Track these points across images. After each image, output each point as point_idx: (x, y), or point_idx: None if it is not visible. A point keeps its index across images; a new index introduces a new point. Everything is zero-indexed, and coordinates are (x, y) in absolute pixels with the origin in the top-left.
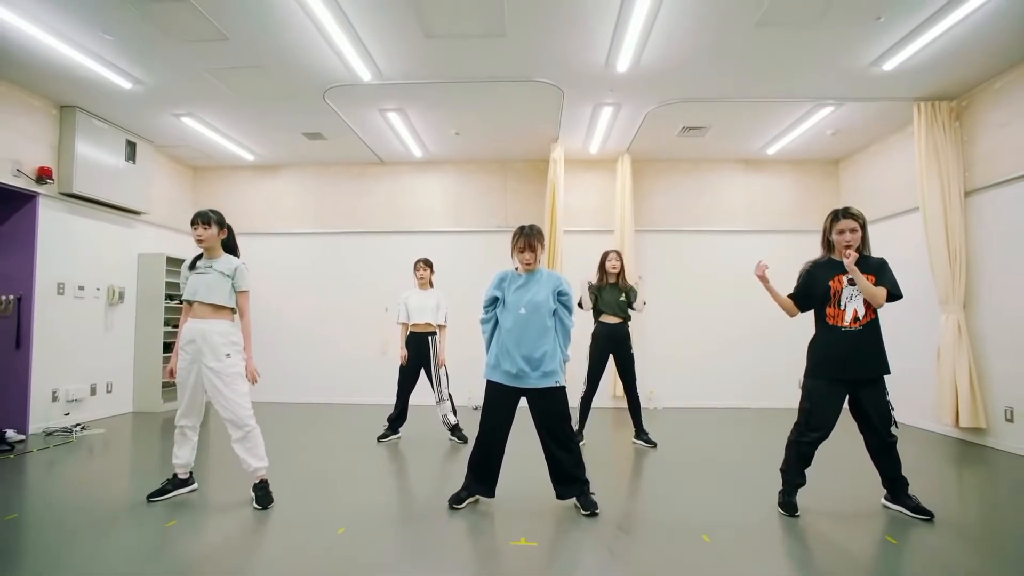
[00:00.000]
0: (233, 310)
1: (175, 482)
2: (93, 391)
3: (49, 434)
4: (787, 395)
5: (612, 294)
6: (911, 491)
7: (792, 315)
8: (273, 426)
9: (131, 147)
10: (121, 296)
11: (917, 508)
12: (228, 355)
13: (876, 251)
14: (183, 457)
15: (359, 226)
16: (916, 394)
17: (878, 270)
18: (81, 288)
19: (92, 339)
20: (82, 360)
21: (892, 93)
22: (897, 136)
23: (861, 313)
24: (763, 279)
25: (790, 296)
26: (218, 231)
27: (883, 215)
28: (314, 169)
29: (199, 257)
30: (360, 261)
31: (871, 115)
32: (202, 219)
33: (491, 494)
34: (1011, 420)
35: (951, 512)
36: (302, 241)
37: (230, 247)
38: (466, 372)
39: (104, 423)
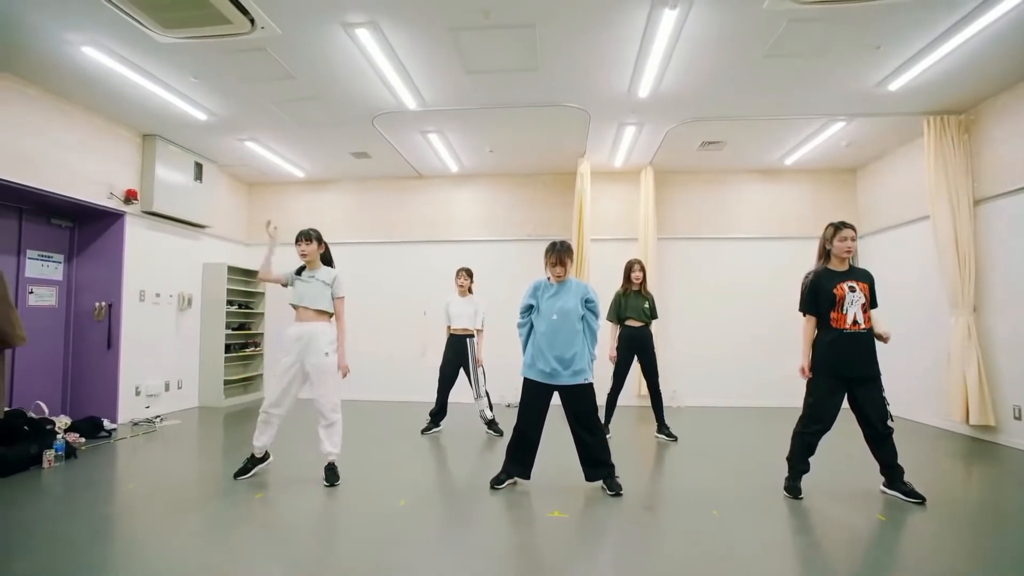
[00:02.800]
0: (331, 314)
1: (254, 460)
2: (167, 387)
3: (136, 424)
4: (800, 394)
5: (637, 301)
6: (907, 479)
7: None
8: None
9: (198, 168)
10: (189, 302)
11: (910, 493)
12: (327, 353)
13: (891, 257)
14: (264, 440)
15: (398, 236)
16: (928, 392)
17: (871, 281)
18: (158, 295)
19: (166, 341)
20: (158, 360)
21: (901, 109)
22: (909, 147)
23: (860, 317)
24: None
25: (805, 314)
26: (318, 246)
27: (898, 222)
28: (357, 183)
29: (303, 268)
30: (399, 269)
31: (883, 128)
32: (305, 237)
33: (527, 476)
34: (1019, 418)
35: (946, 498)
36: (346, 250)
37: (327, 259)
38: (500, 373)
39: (177, 415)
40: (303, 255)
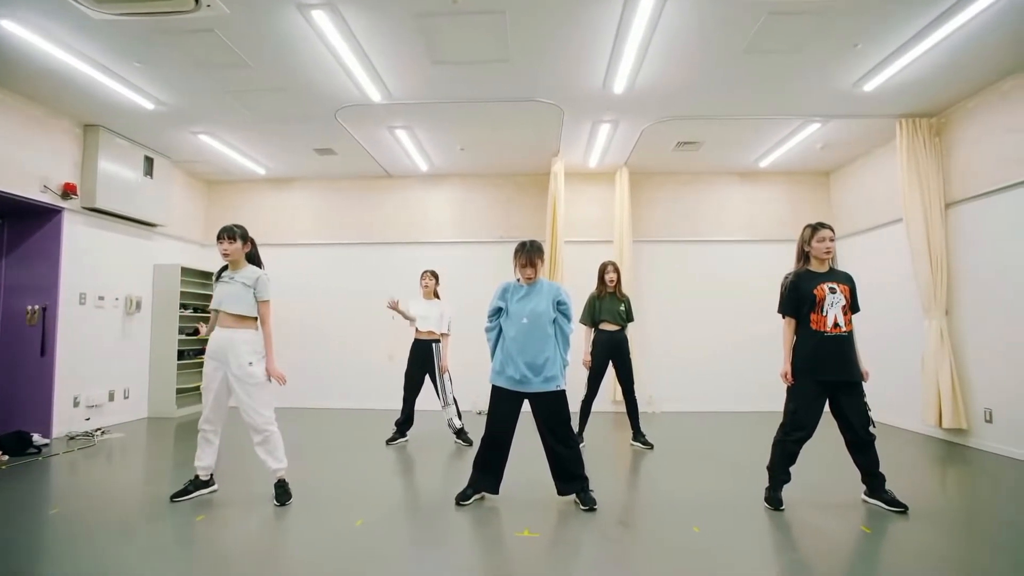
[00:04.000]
0: (256, 319)
1: (197, 483)
2: (111, 397)
3: (72, 438)
4: (780, 399)
5: (612, 303)
6: (888, 487)
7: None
8: (286, 430)
9: (149, 163)
10: (138, 305)
11: (892, 501)
12: (251, 363)
13: (865, 260)
14: (206, 460)
15: (367, 237)
16: (902, 397)
17: (852, 284)
18: (101, 298)
19: (111, 347)
20: (101, 367)
21: (875, 111)
22: (883, 150)
23: (841, 320)
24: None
25: (784, 316)
26: (242, 244)
27: (871, 225)
28: (324, 183)
29: (225, 268)
30: (368, 271)
31: (857, 130)
32: (227, 234)
33: (496, 491)
34: (990, 421)
35: (927, 505)
36: (313, 252)
37: (253, 259)
38: (472, 378)
39: (122, 427)
40: (225, 254)
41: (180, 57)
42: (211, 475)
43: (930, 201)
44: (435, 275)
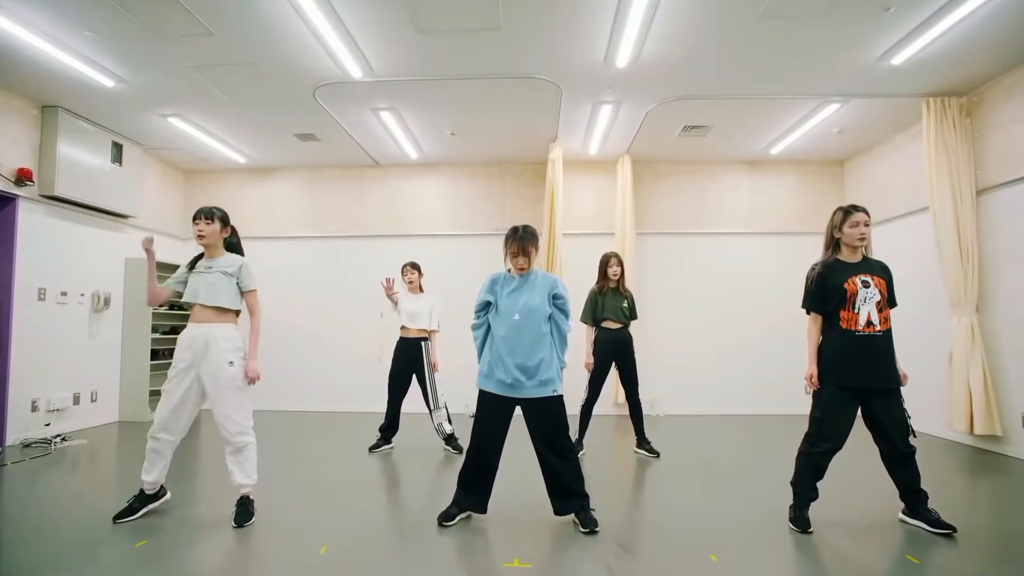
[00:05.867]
0: (238, 312)
1: (143, 498)
2: (76, 400)
3: (27, 446)
4: (791, 401)
5: (614, 300)
6: (930, 504)
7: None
8: (262, 435)
9: (117, 149)
10: (107, 302)
11: (937, 522)
12: (232, 363)
13: (884, 253)
14: (154, 474)
15: (355, 230)
16: (927, 400)
17: (888, 274)
18: (64, 294)
19: (75, 347)
20: (65, 368)
21: (900, 89)
22: (903, 136)
23: (875, 317)
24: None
25: (810, 312)
26: (221, 228)
27: (889, 216)
28: (309, 172)
29: (200, 257)
30: (356, 265)
31: (878, 112)
32: (204, 215)
33: (483, 510)
34: None
35: (972, 527)
36: (297, 245)
37: (234, 247)
38: (464, 379)
39: (88, 433)
40: (200, 237)
41: (134, 25)
42: (160, 486)
43: (960, 188)
44: (417, 267)
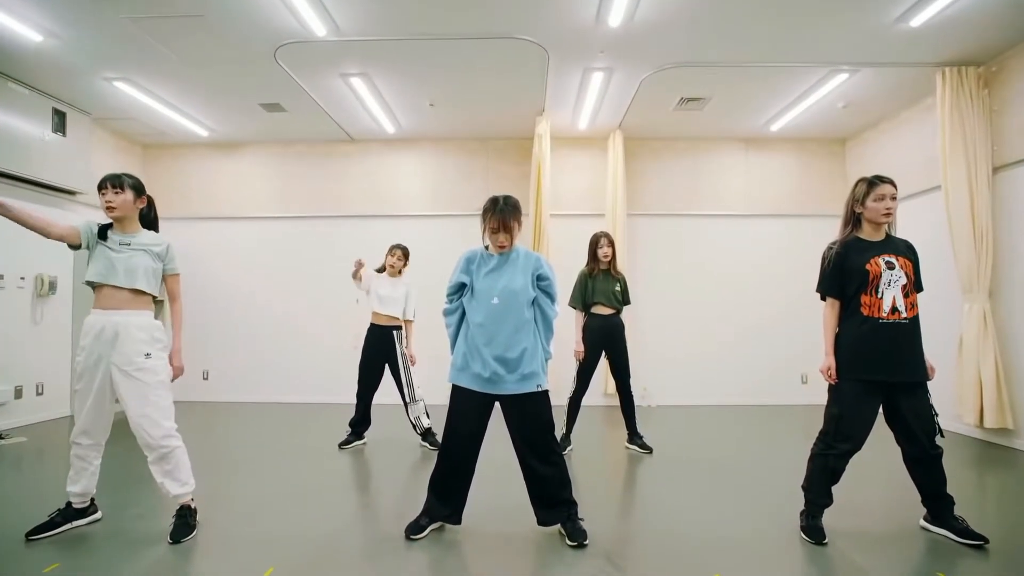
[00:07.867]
0: (155, 298)
1: (68, 513)
2: (19, 394)
3: None
4: (790, 391)
5: (606, 283)
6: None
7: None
8: (222, 430)
9: (60, 117)
10: (52, 286)
11: (966, 532)
12: (148, 355)
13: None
14: (82, 483)
15: (328, 210)
16: (934, 391)
17: (915, 255)
18: (0, 277)
19: (17, 335)
20: (3, 359)
21: (915, 57)
22: (911, 111)
23: (901, 303)
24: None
25: (826, 297)
26: (135, 198)
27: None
28: (278, 147)
29: (108, 227)
30: (329, 247)
31: (887, 84)
32: (112, 182)
33: (457, 520)
34: None
35: (1003, 533)
36: (266, 226)
37: (150, 222)
38: (444, 369)
39: (31, 430)
40: (109, 208)
41: None
42: (91, 500)
43: (975, 165)
44: (406, 254)
